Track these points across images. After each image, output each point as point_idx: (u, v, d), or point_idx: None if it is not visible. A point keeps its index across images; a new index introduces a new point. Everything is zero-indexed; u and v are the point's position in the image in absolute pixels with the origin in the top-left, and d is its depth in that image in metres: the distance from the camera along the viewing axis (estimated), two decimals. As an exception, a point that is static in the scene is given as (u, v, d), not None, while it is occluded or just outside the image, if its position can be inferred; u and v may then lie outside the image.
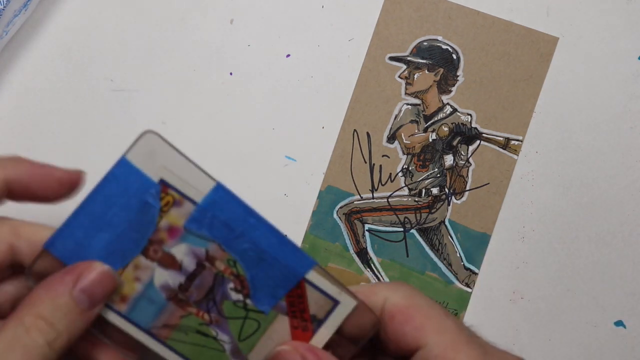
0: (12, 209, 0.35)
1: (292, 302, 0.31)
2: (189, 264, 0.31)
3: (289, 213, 0.46)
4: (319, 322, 0.31)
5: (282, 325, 0.31)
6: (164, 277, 0.31)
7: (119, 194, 0.30)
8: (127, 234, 0.31)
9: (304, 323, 0.31)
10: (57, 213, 0.47)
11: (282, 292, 0.31)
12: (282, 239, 0.31)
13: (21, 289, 0.33)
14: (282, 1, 0.47)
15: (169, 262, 0.31)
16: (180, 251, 0.31)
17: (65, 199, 0.32)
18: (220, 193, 0.31)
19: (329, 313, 0.31)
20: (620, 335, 0.45)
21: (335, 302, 0.31)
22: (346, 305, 0.31)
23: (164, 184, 0.31)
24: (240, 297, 0.31)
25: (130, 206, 0.30)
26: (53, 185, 0.31)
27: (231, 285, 0.31)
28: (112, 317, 0.31)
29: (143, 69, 0.47)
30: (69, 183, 0.32)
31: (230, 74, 0.47)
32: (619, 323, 0.45)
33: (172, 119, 0.47)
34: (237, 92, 0.47)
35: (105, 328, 0.31)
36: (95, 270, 0.30)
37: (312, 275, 0.31)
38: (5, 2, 0.42)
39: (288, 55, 0.47)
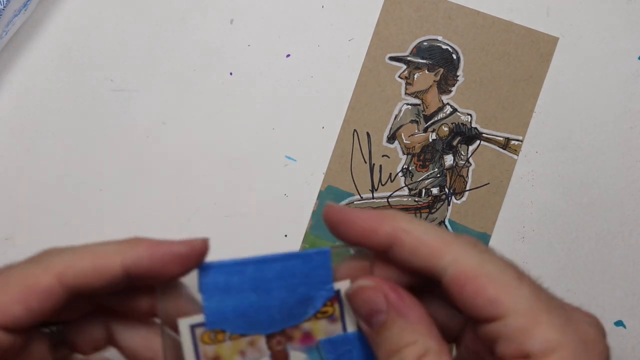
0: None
1: None
2: None
3: (289, 213, 0.46)
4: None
5: None
6: None
7: (297, 274, 0.29)
8: (272, 310, 0.29)
9: None
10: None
11: None
12: None
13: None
14: (282, 1, 0.47)
15: None
16: (296, 358, 0.29)
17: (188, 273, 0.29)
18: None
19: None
20: (620, 335, 0.45)
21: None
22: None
23: (337, 296, 0.29)
24: None
25: (296, 291, 0.29)
26: (175, 264, 0.28)
27: None
28: None
29: (143, 69, 0.47)
30: (193, 257, 0.28)
31: (230, 74, 0.47)
32: (619, 323, 0.45)
33: (172, 119, 0.47)
34: (237, 92, 0.47)
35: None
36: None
37: None
38: (5, 2, 0.42)
39: (288, 55, 0.47)
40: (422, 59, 0.46)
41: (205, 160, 0.46)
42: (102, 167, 0.46)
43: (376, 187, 0.46)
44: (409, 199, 0.46)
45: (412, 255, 0.27)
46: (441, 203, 0.46)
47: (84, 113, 0.47)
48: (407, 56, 0.46)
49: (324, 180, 0.46)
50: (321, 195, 0.46)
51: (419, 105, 0.46)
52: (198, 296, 0.29)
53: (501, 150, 0.46)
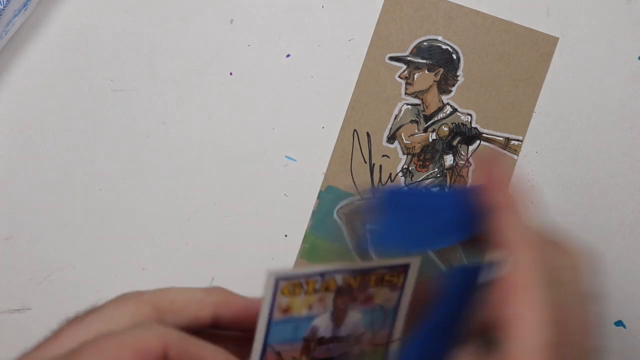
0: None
1: None
2: (344, 331, 0.31)
3: (289, 213, 0.46)
4: None
5: None
6: (323, 322, 0.31)
7: (456, 210, 0.30)
8: (418, 238, 0.30)
9: None
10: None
11: None
12: None
13: None
14: (282, 1, 0.47)
15: (338, 317, 0.31)
16: (352, 317, 0.31)
17: None
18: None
19: None
20: (620, 335, 0.45)
21: None
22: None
23: (405, 269, 0.31)
24: None
25: (439, 225, 0.30)
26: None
27: None
28: (262, 317, 0.31)
29: (143, 69, 0.47)
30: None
31: (230, 74, 0.47)
32: (618, 323, 0.45)
33: (172, 119, 0.47)
34: (237, 92, 0.47)
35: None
36: None
37: None
38: (5, 2, 0.42)
39: (288, 55, 0.47)
40: (422, 59, 0.46)
41: (205, 160, 0.46)
42: (102, 167, 0.46)
43: (376, 187, 0.46)
44: (409, 199, 0.46)
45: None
46: (441, 203, 0.46)
47: (84, 113, 0.47)
48: (407, 56, 0.46)
49: (324, 180, 0.46)
50: (321, 195, 0.46)
51: (419, 105, 0.46)
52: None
53: (501, 150, 0.46)
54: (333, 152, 0.46)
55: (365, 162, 0.46)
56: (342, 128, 0.46)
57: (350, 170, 0.46)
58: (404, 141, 0.46)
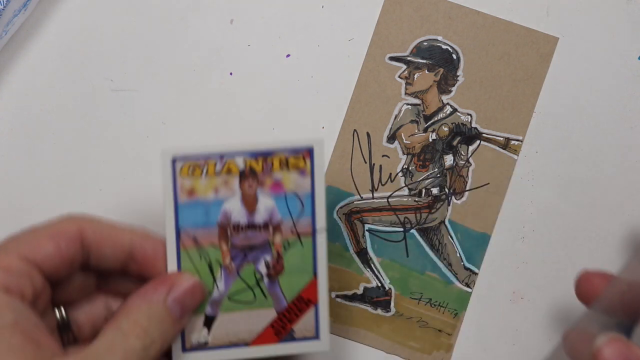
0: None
1: (290, 309, 0.32)
2: (260, 218, 0.32)
3: (289, 213, 0.46)
4: (291, 339, 0.33)
5: (265, 316, 0.33)
6: (234, 207, 0.32)
7: None
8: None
9: (281, 330, 0.33)
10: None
11: (291, 297, 0.33)
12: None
13: (100, 309, 0.34)
14: (282, 1, 0.47)
15: (248, 202, 0.32)
16: (265, 203, 0.32)
17: None
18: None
19: (304, 339, 0.33)
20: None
21: (316, 337, 0.33)
22: (321, 344, 0.33)
23: (310, 153, 0.32)
24: (264, 272, 0.33)
25: None
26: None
27: (268, 259, 0.33)
28: (166, 199, 0.32)
29: (143, 69, 0.47)
30: None
31: (230, 74, 0.47)
32: (619, 323, 0.45)
33: (172, 119, 0.47)
34: (237, 92, 0.47)
35: None
36: (187, 282, 0.31)
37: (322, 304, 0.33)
38: (5, 2, 0.42)
39: (288, 55, 0.47)
40: (422, 59, 0.46)
41: (205, 160, 0.46)
42: (102, 167, 0.46)
43: (376, 187, 0.46)
44: (409, 199, 0.46)
45: None
46: (441, 203, 0.46)
47: (84, 113, 0.47)
48: (407, 56, 0.46)
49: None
50: (321, 195, 0.46)
51: (419, 105, 0.46)
52: None
53: (501, 150, 0.46)
54: (333, 152, 0.46)
55: (365, 162, 0.46)
56: (342, 128, 0.46)
57: (350, 170, 0.46)
58: (404, 141, 0.46)
